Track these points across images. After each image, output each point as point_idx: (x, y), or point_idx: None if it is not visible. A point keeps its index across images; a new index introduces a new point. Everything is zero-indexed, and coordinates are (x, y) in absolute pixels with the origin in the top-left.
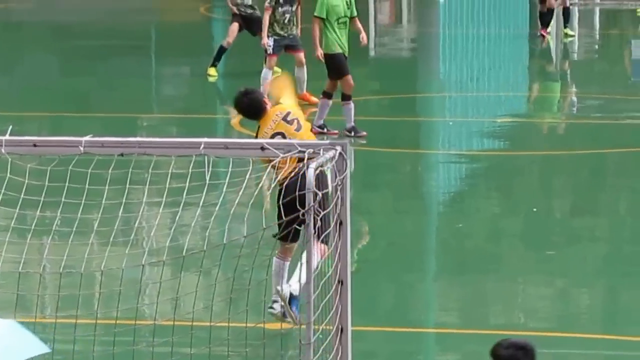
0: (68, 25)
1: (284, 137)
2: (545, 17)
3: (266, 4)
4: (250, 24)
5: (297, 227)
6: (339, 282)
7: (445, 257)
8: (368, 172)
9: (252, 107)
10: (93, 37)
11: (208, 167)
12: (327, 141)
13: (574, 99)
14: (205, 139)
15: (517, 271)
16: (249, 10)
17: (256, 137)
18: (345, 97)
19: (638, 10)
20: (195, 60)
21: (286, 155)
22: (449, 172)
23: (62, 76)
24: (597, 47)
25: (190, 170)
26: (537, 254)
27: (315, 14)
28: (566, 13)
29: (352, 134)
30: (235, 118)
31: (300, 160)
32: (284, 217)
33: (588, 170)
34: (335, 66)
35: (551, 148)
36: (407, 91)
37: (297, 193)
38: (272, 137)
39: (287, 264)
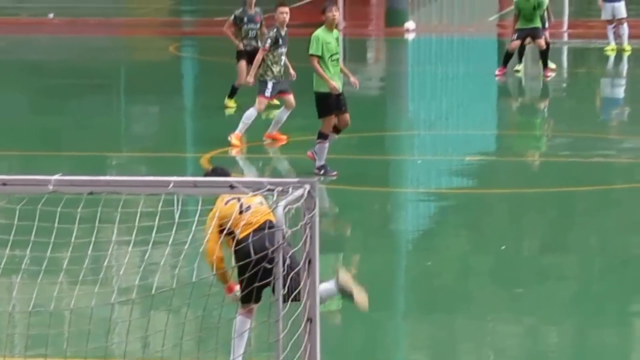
0: (38, 63)
1: (241, 203)
2: (542, 56)
3: (266, 45)
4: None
5: (261, 286)
6: (308, 320)
7: (415, 295)
8: (337, 210)
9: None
10: (62, 76)
11: (177, 205)
12: (296, 179)
13: (543, 137)
14: (175, 178)
15: (486, 309)
16: (254, 44)
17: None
18: (322, 136)
19: (606, 48)
20: (164, 99)
21: (256, 193)
22: (417, 211)
23: (32, 115)
24: (565, 85)
25: (159, 209)
26: (506, 292)
27: (312, 52)
28: (522, 51)
29: (322, 172)
30: (204, 156)
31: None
32: (245, 278)
33: (557, 209)
34: (322, 105)
35: (520, 186)
36: (376, 129)
37: (271, 245)
38: (228, 201)
39: (251, 320)
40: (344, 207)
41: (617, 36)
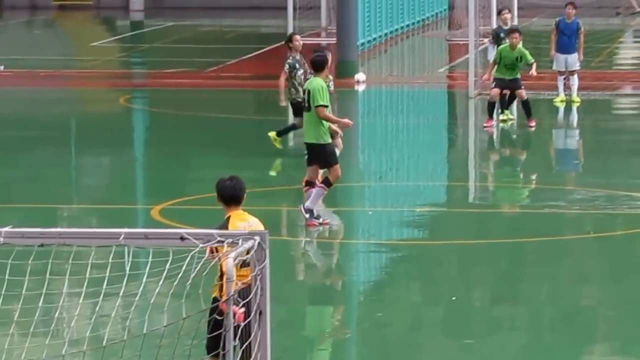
0: None
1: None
2: (524, 106)
3: (332, 87)
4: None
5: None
6: None
7: (366, 346)
8: (288, 261)
9: (234, 190)
10: (13, 128)
11: (128, 257)
12: (246, 231)
13: (493, 188)
14: (125, 230)
15: None
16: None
17: (227, 228)
18: (327, 183)
19: (555, 100)
20: (115, 151)
21: (206, 245)
22: (369, 262)
23: None
24: (515, 136)
25: (110, 261)
26: (457, 343)
27: (324, 102)
28: (503, 100)
29: (308, 215)
30: (155, 208)
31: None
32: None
33: (507, 260)
34: (326, 155)
35: (470, 237)
36: None
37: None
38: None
39: None
40: (295, 258)
41: (567, 87)
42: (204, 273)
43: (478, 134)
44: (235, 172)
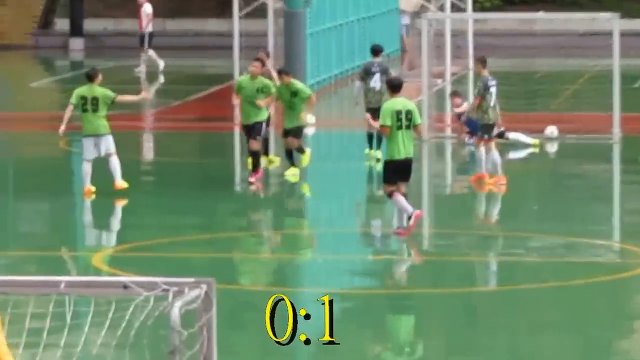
0: None
1: None
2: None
3: None
4: None
5: None
6: None
7: None
8: (235, 311)
9: None
10: None
11: (69, 306)
12: (192, 279)
13: (449, 235)
14: (66, 278)
15: None
16: None
17: None
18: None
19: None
20: (54, 196)
21: (150, 293)
22: (318, 311)
23: None
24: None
25: (50, 310)
26: None
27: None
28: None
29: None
30: (97, 255)
31: None
32: None
33: (462, 309)
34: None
35: (426, 286)
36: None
37: None
38: None
39: None
40: (243, 307)
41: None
42: (149, 322)
43: (430, 178)
44: (179, 216)
